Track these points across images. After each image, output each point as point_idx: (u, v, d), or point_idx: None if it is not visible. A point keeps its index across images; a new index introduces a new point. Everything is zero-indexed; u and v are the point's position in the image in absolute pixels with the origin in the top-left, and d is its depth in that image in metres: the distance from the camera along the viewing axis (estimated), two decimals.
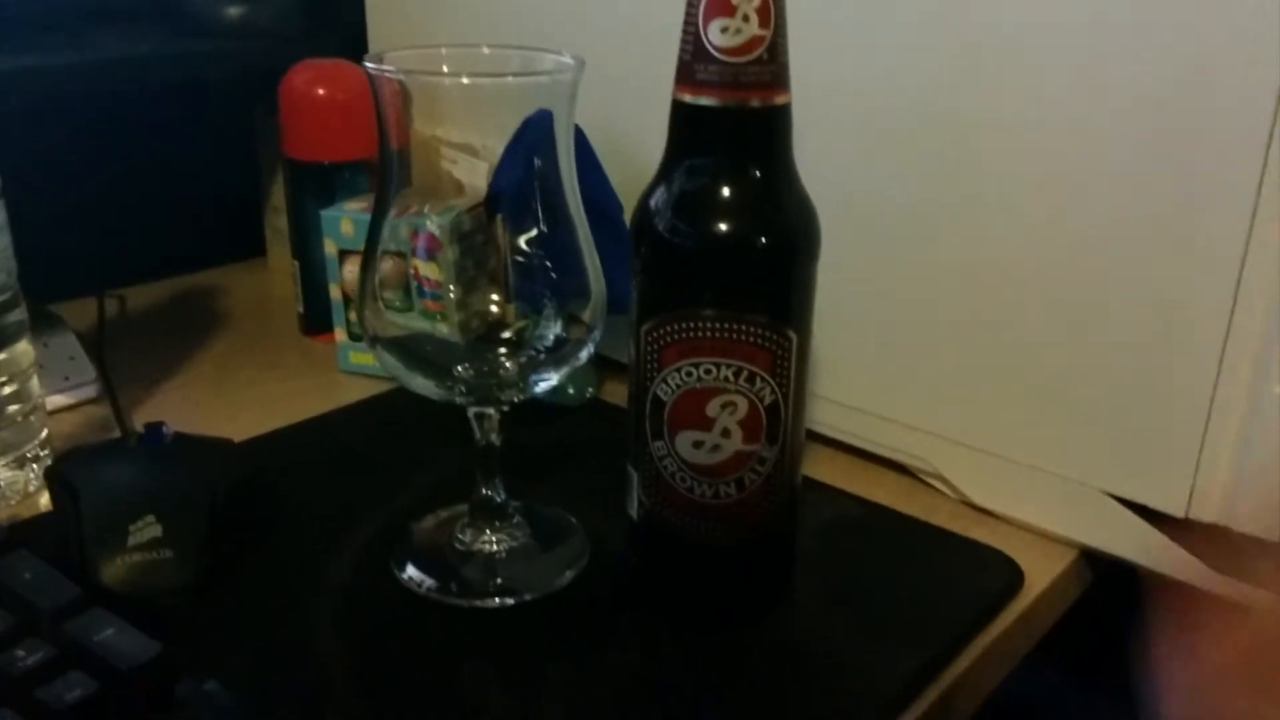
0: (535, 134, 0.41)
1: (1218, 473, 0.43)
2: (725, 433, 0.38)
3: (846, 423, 0.54)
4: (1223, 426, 0.42)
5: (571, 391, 0.59)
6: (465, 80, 0.40)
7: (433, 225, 0.45)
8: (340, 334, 0.64)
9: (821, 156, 0.42)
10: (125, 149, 0.78)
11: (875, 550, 0.47)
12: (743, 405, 0.37)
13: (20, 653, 0.34)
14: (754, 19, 0.34)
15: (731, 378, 0.37)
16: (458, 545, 0.46)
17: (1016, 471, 0.48)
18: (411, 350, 0.43)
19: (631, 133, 0.57)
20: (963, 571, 0.46)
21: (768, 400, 0.37)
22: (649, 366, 0.38)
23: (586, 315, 0.43)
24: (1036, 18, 0.43)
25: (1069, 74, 0.43)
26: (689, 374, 0.37)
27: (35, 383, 0.51)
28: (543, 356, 0.43)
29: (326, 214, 0.61)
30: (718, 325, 0.36)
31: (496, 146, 0.44)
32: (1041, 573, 0.46)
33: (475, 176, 0.48)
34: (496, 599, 0.43)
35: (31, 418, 0.50)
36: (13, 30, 0.69)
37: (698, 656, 0.40)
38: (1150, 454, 0.44)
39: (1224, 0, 0.39)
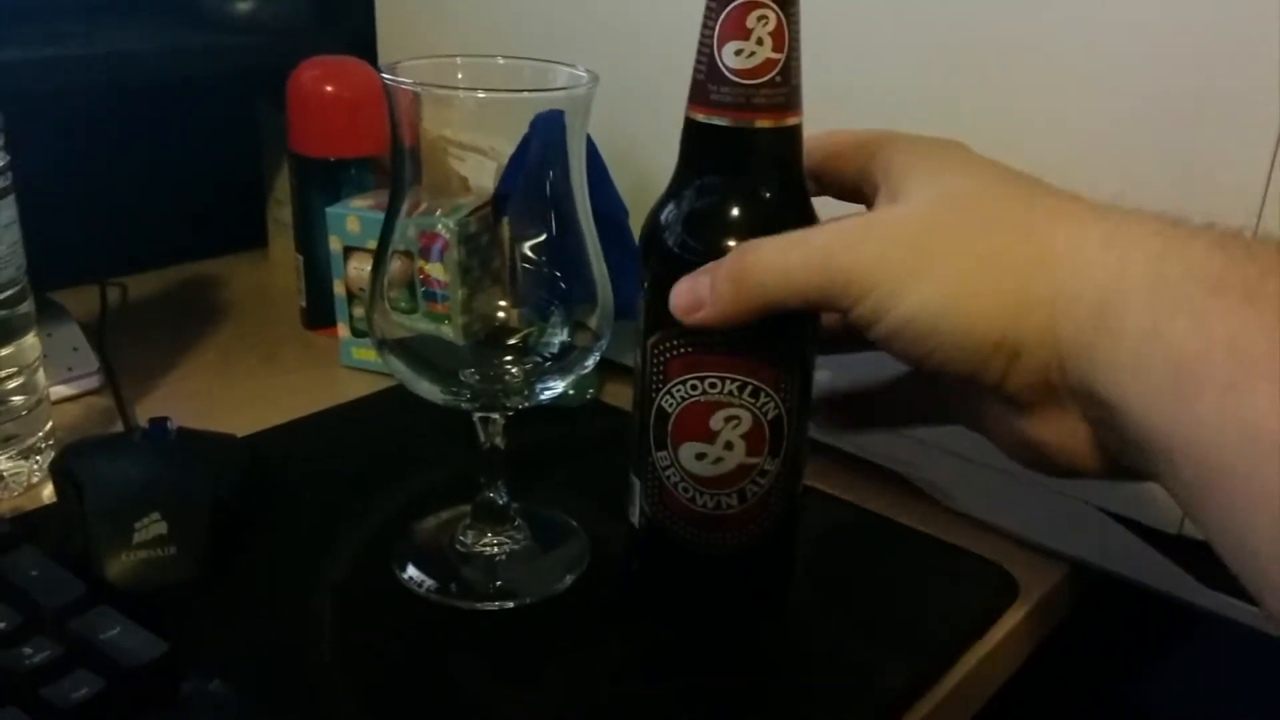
0: (545, 134, 0.41)
1: None
2: (728, 446, 0.38)
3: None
4: None
5: (572, 393, 0.59)
6: (481, 95, 0.41)
7: (442, 226, 0.45)
8: (343, 329, 0.64)
9: None
10: (129, 139, 0.78)
11: (871, 559, 0.48)
12: (746, 419, 0.38)
13: (27, 650, 0.35)
14: (768, 43, 0.34)
15: (736, 392, 0.37)
16: (459, 546, 0.46)
17: (1012, 484, 0.49)
18: (417, 354, 0.43)
19: (638, 139, 0.57)
20: (958, 583, 0.47)
21: (771, 414, 0.38)
22: (654, 378, 0.39)
23: (593, 322, 0.43)
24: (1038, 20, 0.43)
25: (1075, 78, 0.43)
26: (694, 387, 0.38)
27: (41, 375, 0.51)
28: (549, 363, 0.43)
29: (332, 211, 0.61)
30: (724, 341, 0.37)
31: (506, 149, 0.44)
32: (1035, 585, 0.47)
33: (483, 176, 0.48)
34: (496, 601, 0.43)
35: (37, 410, 0.51)
36: (20, 22, 0.69)
37: (696, 663, 0.41)
38: None
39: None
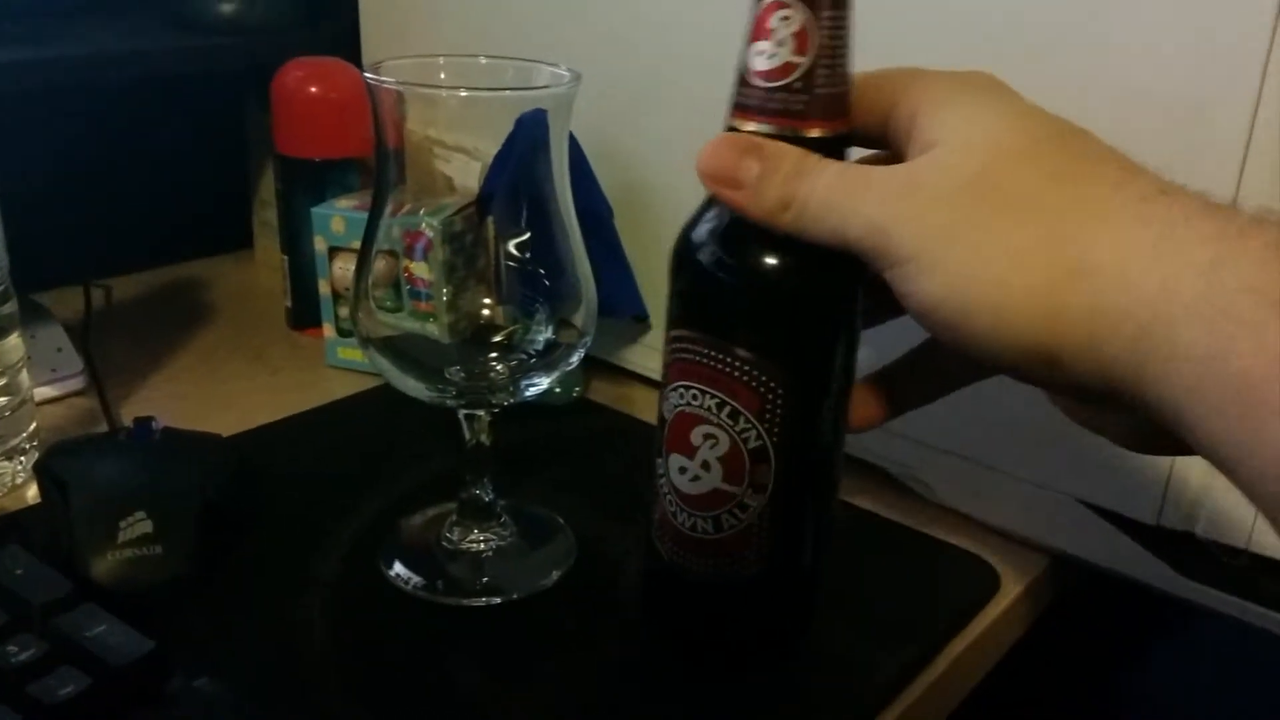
0: (529, 135, 0.42)
1: (1188, 482, 0.44)
2: (705, 466, 0.36)
3: None
4: None
5: (559, 391, 0.59)
6: (464, 94, 0.41)
7: (426, 226, 0.45)
8: (329, 329, 0.64)
9: None
10: (113, 140, 0.78)
11: (857, 553, 0.48)
12: (724, 441, 0.36)
13: (13, 648, 0.35)
14: (789, 44, 0.32)
15: (714, 410, 0.35)
16: (445, 544, 0.46)
17: (995, 479, 0.49)
18: (403, 351, 0.44)
19: (621, 136, 0.58)
20: (941, 575, 0.47)
21: (752, 444, 0.35)
22: (665, 379, 0.38)
23: (578, 320, 0.44)
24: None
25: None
26: (682, 395, 0.36)
27: (25, 376, 0.51)
28: (533, 360, 0.44)
29: (317, 211, 0.61)
30: (706, 351, 0.35)
31: (490, 149, 0.44)
32: (1017, 577, 0.47)
33: (468, 176, 0.48)
34: (483, 598, 0.44)
35: (21, 411, 0.51)
36: (3, 22, 0.69)
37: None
38: (1123, 463, 0.45)
39: None
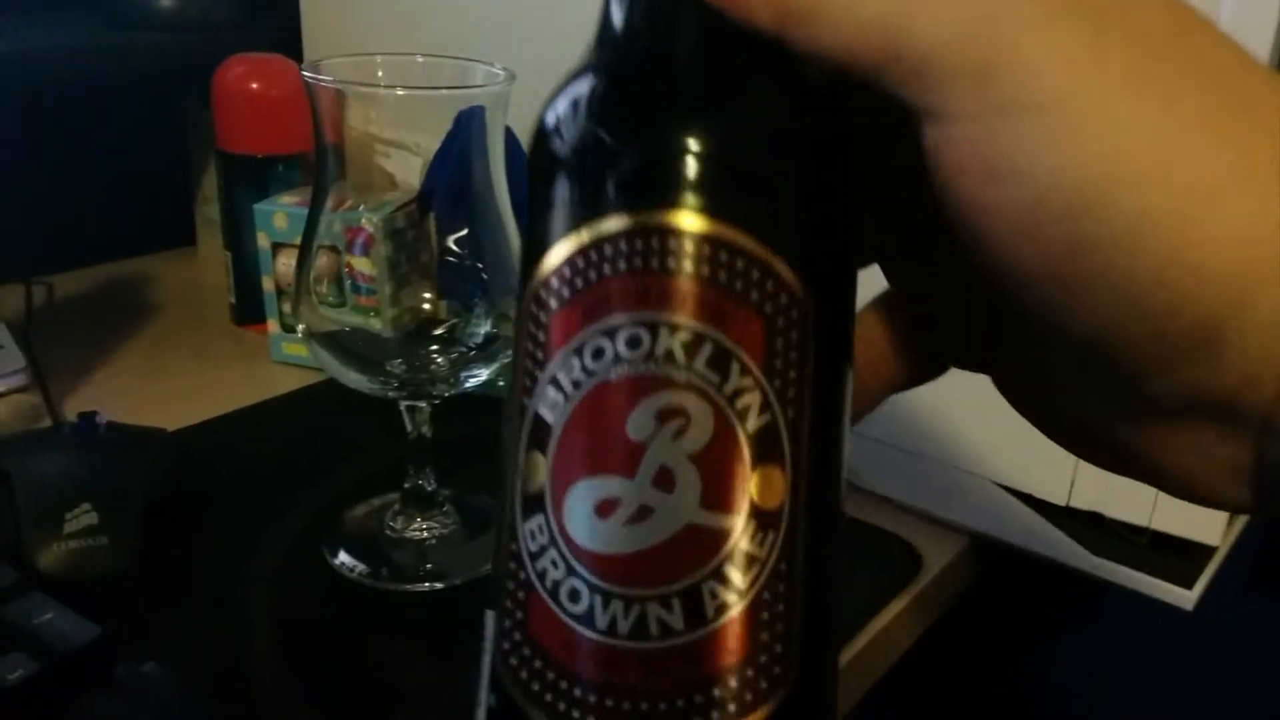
0: (468, 132, 0.43)
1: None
2: (663, 476, 0.18)
3: None
4: None
5: (501, 383, 0.61)
6: (400, 93, 0.42)
7: (367, 221, 0.46)
8: (273, 325, 0.65)
9: None
10: (54, 138, 0.78)
11: None
12: (703, 419, 0.18)
13: None
14: None
15: (681, 355, 0.18)
16: (389, 532, 0.48)
17: (916, 463, 0.52)
18: (345, 345, 0.45)
19: None
20: (865, 556, 0.49)
21: (754, 419, 0.18)
22: (529, 367, 0.20)
23: (516, 313, 0.45)
24: None
25: None
26: (598, 354, 0.18)
27: None
28: (473, 353, 0.45)
29: (260, 208, 0.62)
30: (655, 242, 0.19)
31: (431, 145, 0.46)
32: (937, 557, 0.50)
33: (408, 172, 0.49)
34: (425, 583, 0.45)
35: None
36: None
37: None
38: (1035, 448, 0.47)
39: None
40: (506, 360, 0.46)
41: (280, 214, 0.62)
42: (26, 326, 0.67)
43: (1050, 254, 0.18)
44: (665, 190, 0.19)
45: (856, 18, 0.18)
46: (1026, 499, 0.49)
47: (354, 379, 0.44)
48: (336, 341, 0.45)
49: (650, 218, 0.19)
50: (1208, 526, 0.45)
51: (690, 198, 0.19)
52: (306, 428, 0.58)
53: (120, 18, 0.74)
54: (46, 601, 0.37)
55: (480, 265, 0.44)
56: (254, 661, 0.40)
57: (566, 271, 0.19)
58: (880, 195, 0.22)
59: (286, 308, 0.64)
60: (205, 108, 0.68)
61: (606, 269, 0.19)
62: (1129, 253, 0.17)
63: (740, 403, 0.18)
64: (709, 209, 0.19)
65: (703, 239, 0.18)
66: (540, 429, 0.19)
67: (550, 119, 0.21)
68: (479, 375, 0.45)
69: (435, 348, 0.46)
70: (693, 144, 0.19)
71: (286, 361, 0.65)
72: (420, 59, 0.45)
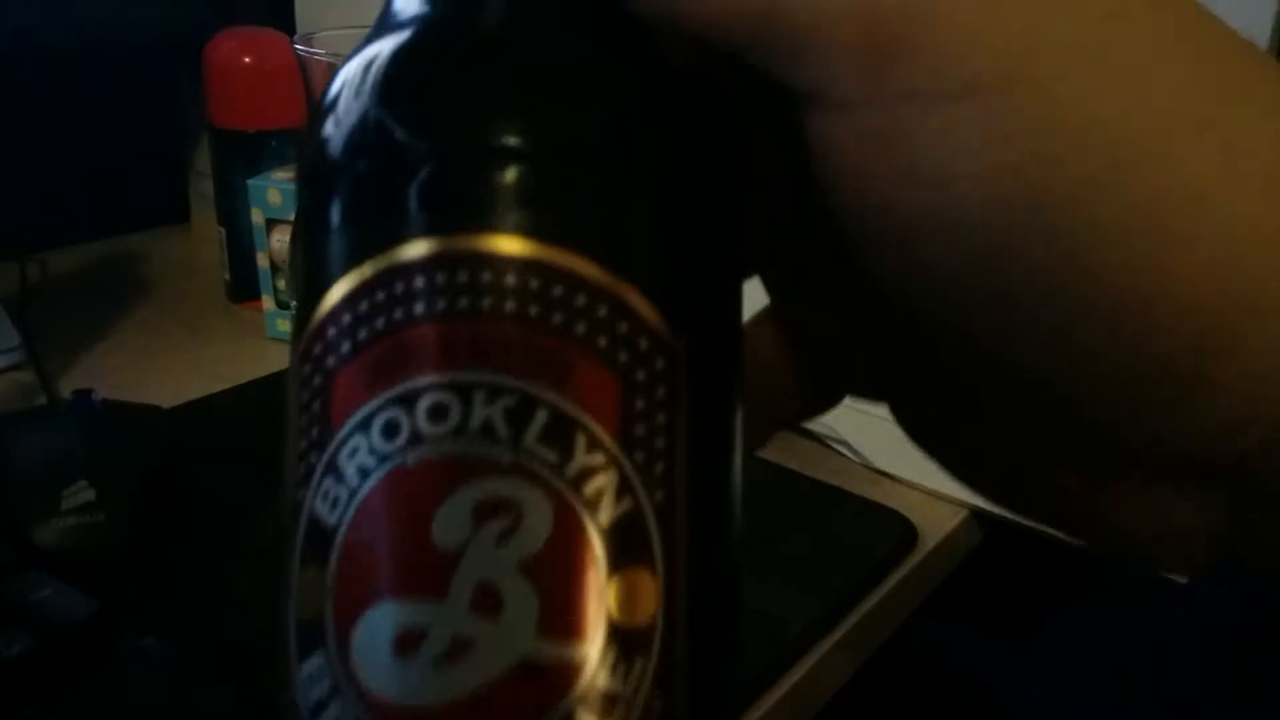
0: None
1: None
2: (484, 596, 0.13)
3: None
4: None
5: None
6: None
7: None
8: (268, 301, 0.65)
9: None
10: (45, 115, 0.77)
11: (781, 511, 0.51)
12: (537, 514, 0.13)
13: None
14: None
15: (504, 427, 0.14)
16: None
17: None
18: None
19: None
20: (862, 530, 0.49)
21: (609, 509, 0.14)
22: (302, 448, 0.16)
23: None
24: None
25: None
26: (391, 430, 0.14)
27: None
28: None
29: (253, 183, 0.62)
30: (464, 275, 0.14)
31: None
32: (934, 530, 0.50)
33: None
34: None
35: None
36: None
37: None
38: None
39: None
40: None
41: (274, 190, 0.61)
42: (21, 304, 0.66)
43: (977, 275, 0.14)
44: (475, 205, 0.14)
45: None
46: None
47: None
48: None
49: (457, 242, 0.14)
50: None
51: (510, 214, 0.14)
52: None
53: None
54: (44, 578, 0.37)
55: None
56: (252, 636, 0.40)
57: (346, 318, 0.14)
58: (757, 190, 0.18)
59: (282, 284, 0.64)
60: (198, 83, 0.67)
61: (399, 313, 0.14)
62: (1084, 274, 0.13)
63: (589, 487, 0.13)
64: (536, 228, 0.14)
65: (528, 267, 0.14)
66: (317, 534, 0.14)
67: (329, 96, 0.16)
68: None
69: None
70: (510, 140, 0.14)
71: (281, 338, 0.65)
72: None
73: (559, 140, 0.14)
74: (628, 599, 0.13)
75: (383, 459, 0.14)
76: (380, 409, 0.14)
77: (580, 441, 0.14)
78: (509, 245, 0.14)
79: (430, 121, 0.14)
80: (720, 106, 0.16)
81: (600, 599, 0.13)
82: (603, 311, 0.14)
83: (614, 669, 0.13)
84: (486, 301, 0.13)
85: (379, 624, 0.13)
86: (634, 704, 0.13)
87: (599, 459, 0.14)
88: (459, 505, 0.13)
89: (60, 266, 0.74)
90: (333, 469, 0.14)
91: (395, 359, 0.14)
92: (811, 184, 0.15)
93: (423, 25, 0.15)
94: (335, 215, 0.15)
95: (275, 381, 0.60)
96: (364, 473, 0.14)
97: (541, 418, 0.13)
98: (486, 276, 0.14)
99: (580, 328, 0.14)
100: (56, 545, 0.42)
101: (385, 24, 0.16)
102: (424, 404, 0.14)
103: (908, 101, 0.14)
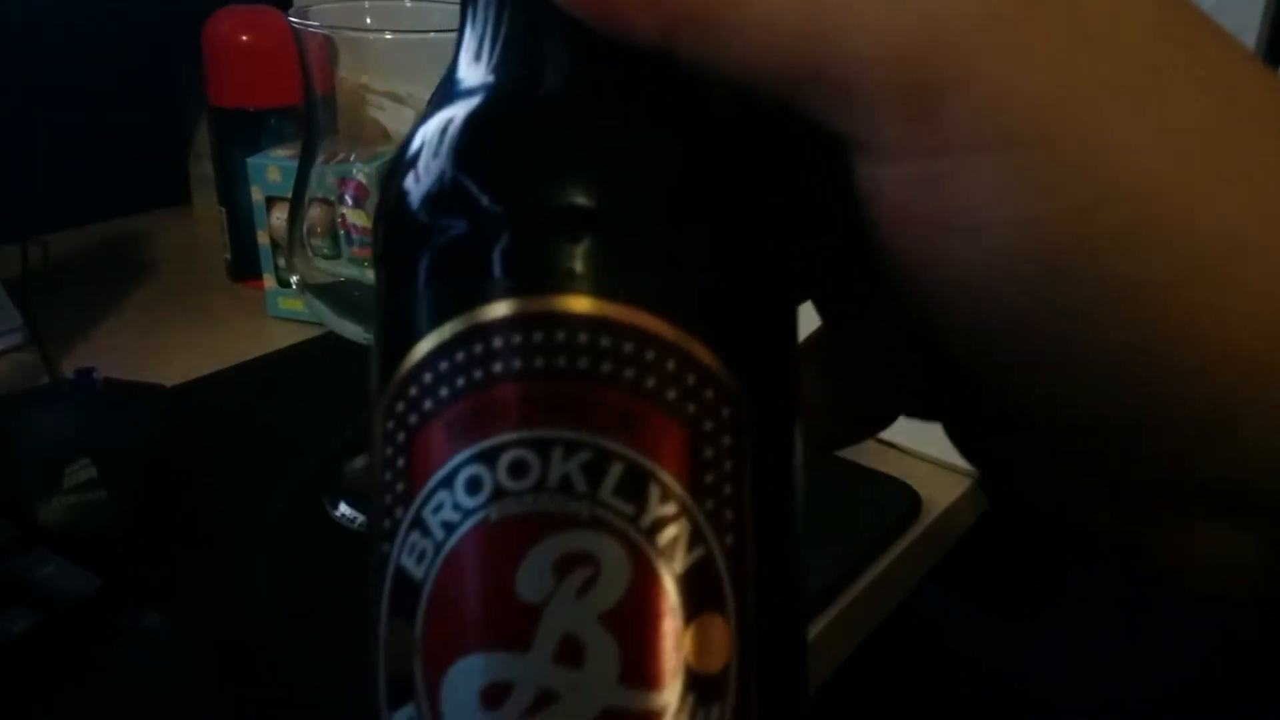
0: None
1: None
2: (568, 647, 0.14)
3: None
4: None
5: None
6: (389, 36, 0.41)
7: (360, 173, 0.46)
8: (269, 280, 0.65)
9: None
10: (44, 96, 0.77)
11: None
12: (615, 566, 0.14)
13: None
14: None
15: (581, 481, 0.14)
16: None
17: None
18: (341, 297, 0.45)
19: None
20: (868, 500, 0.49)
21: (683, 557, 0.14)
22: (388, 503, 0.15)
23: None
24: None
25: None
26: (474, 486, 0.14)
27: None
28: None
29: (253, 161, 0.61)
30: (539, 335, 0.15)
31: (422, 95, 0.45)
32: (939, 499, 0.50)
33: (401, 123, 0.49)
34: None
35: None
36: None
37: None
38: None
39: None
40: None
41: (273, 168, 0.61)
42: (23, 286, 0.66)
43: (1018, 323, 0.14)
44: (548, 268, 0.15)
45: (768, 22, 0.14)
46: None
47: (351, 330, 0.44)
48: (332, 293, 0.45)
49: (532, 304, 0.14)
50: None
51: (580, 276, 0.14)
52: (304, 381, 0.58)
53: None
54: (48, 555, 0.38)
55: None
56: (254, 611, 0.41)
57: (429, 376, 0.15)
58: (809, 221, 0.18)
59: (283, 262, 0.63)
60: (196, 63, 0.67)
61: (479, 372, 0.14)
62: (1126, 321, 0.14)
63: (663, 537, 0.14)
64: (605, 288, 0.14)
65: (599, 326, 0.14)
66: (404, 587, 0.15)
67: (410, 152, 0.16)
68: None
69: None
70: (579, 207, 0.15)
71: (283, 316, 0.65)
72: (409, 3, 0.44)
73: (624, 206, 0.15)
74: (703, 645, 0.14)
75: (467, 514, 0.14)
76: (463, 465, 0.14)
77: (654, 492, 0.14)
78: (580, 305, 0.14)
79: (506, 189, 0.15)
80: (771, 152, 0.17)
81: (678, 647, 0.14)
82: (671, 365, 0.14)
83: (693, 715, 0.14)
84: (561, 360, 0.14)
85: (467, 676, 0.14)
86: None
87: (672, 509, 0.14)
88: (541, 559, 0.14)
89: (62, 248, 0.74)
90: (418, 524, 0.15)
91: (476, 416, 0.15)
92: (861, 218, 0.16)
93: (492, 92, 0.16)
94: (419, 276, 0.16)
95: (276, 359, 0.60)
96: (449, 528, 0.14)
97: (616, 471, 0.14)
98: (561, 336, 0.14)
99: (650, 382, 0.14)
100: (59, 523, 0.42)
101: (454, 86, 0.17)
102: (505, 460, 0.14)
103: (949, 151, 0.14)
